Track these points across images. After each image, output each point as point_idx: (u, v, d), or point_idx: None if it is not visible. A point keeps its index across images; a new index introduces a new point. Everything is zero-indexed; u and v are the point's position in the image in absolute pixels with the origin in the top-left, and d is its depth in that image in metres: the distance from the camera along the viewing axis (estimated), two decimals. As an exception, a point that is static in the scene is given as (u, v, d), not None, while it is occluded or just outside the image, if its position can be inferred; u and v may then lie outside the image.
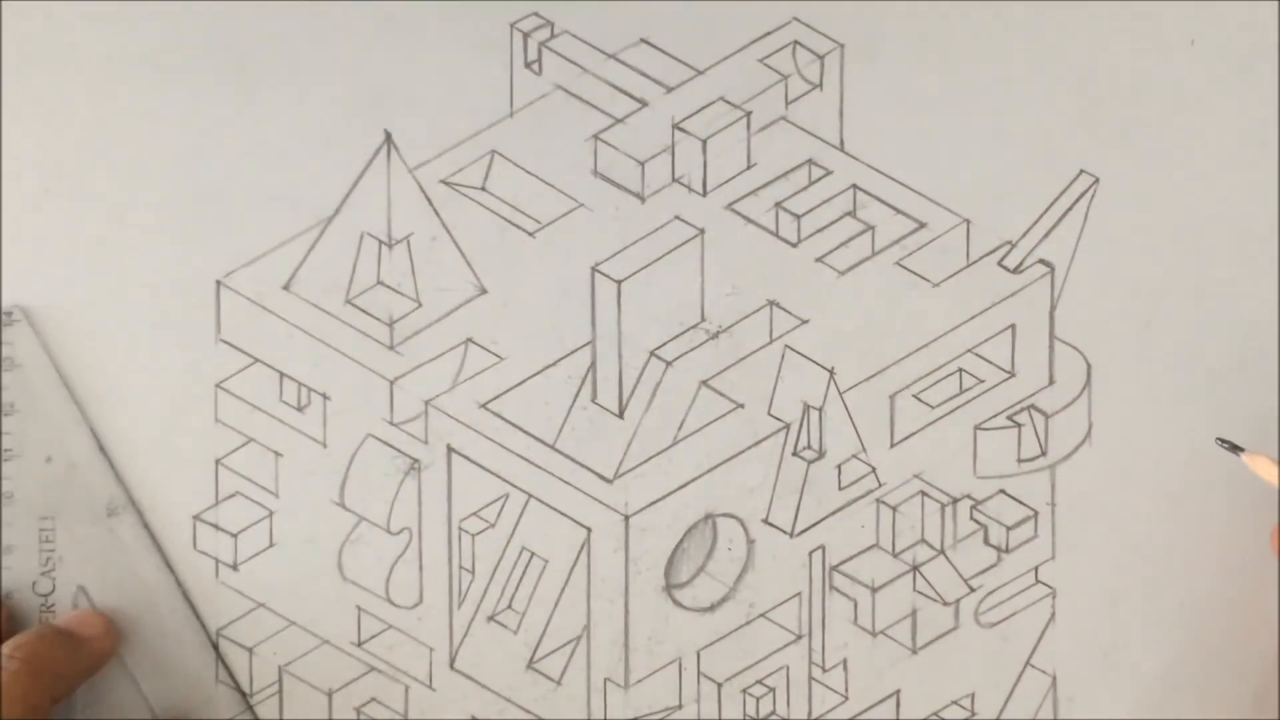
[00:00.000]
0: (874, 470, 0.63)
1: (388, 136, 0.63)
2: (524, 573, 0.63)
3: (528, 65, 0.63)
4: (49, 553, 0.63)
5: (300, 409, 0.63)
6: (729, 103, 0.63)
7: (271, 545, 0.63)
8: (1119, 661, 0.64)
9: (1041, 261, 0.63)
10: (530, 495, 0.63)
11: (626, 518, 0.63)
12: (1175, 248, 0.63)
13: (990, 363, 0.63)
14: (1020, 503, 0.64)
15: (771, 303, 0.63)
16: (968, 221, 0.63)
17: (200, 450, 0.63)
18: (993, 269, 0.63)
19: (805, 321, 0.63)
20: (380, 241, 0.63)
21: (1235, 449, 0.61)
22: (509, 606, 0.63)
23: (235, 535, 0.63)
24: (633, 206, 0.63)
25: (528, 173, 0.63)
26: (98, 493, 0.63)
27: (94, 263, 0.63)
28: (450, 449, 0.63)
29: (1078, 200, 0.63)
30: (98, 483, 0.63)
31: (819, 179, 0.63)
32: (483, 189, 0.63)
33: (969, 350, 0.63)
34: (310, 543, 0.63)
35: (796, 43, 0.63)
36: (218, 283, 0.63)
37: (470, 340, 0.63)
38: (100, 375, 0.63)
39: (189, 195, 0.63)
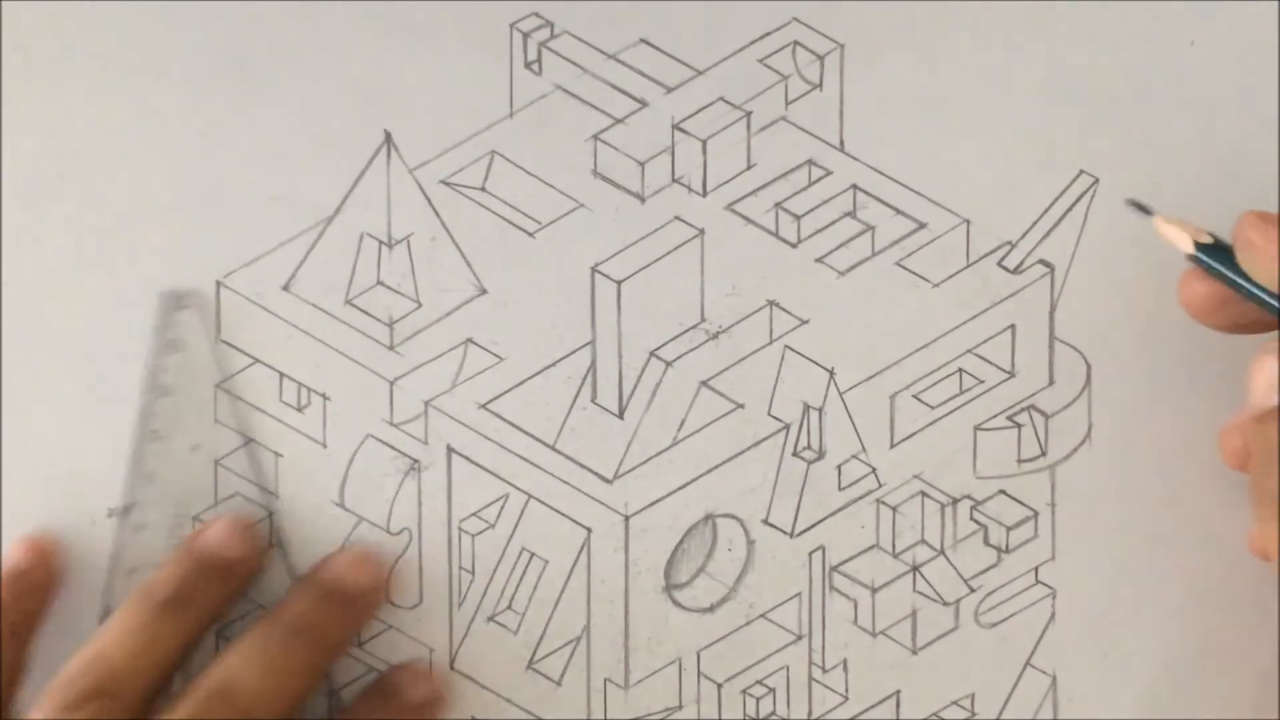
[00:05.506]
0: (874, 471, 0.63)
1: (388, 136, 0.63)
2: (524, 573, 0.63)
3: (528, 65, 0.63)
4: None
5: (300, 409, 0.63)
6: (729, 103, 0.63)
7: (271, 545, 0.63)
8: (1119, 661, 0.64)
9: (1041, 262, 0.63)
10: (530, 495, 0.63)
11: (626, 518, 0.63)
12: (1175, 248, 0.63)
13: (990, 363, 0.63)
14: (1020, 503, 0.64)
15: (771, 303, 0.63)
16: (968, 221, 0.63)
17: (200, 450, 0.63)
18: (993, 269, 0.63)
19: (805, 322, 0.63)
20: (380, 241, 0.63)
21: (1146, 210, 0.60)
22: (509, 607, 0.63)
23: (235, 535, 0.63)
24: (633, 207, 0.63)
25: (528, 173, 0.63)
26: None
27: (93, 262, 0.63)
28: (450, 449, 0.63)
29: (1078, 200, 0.63)
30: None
31: (819, 179, 0.63)
32: (483, 189, 0.63)
33: (969, 350, 0.63)
34: (310, 543, 0.63)
35: (796, 43, 0.63)
36: (218, 283, 0.63)
37: (470, 340, 0.63)
38: (99, 376, 0.63)
39: (189, 195, 0.63)
